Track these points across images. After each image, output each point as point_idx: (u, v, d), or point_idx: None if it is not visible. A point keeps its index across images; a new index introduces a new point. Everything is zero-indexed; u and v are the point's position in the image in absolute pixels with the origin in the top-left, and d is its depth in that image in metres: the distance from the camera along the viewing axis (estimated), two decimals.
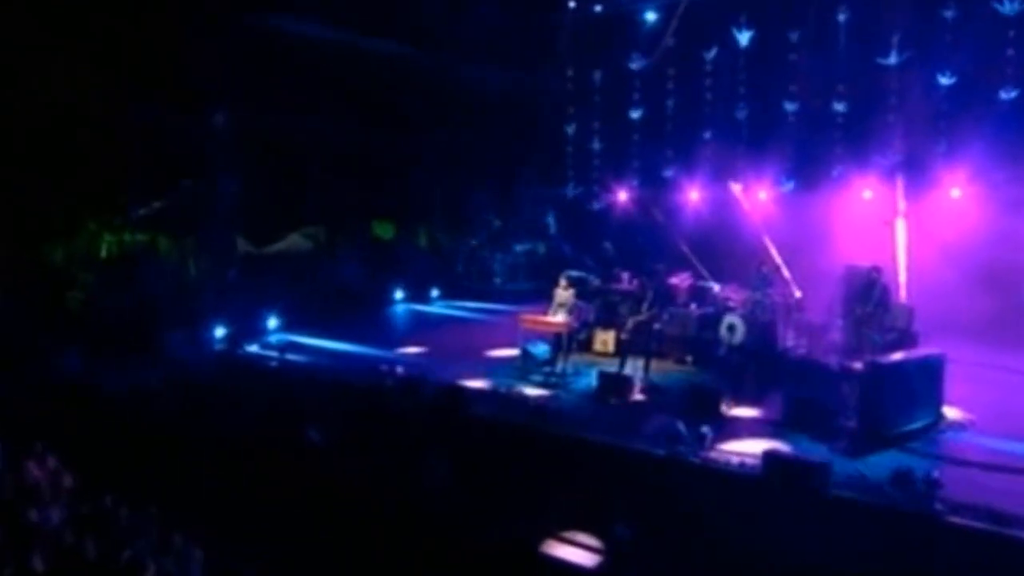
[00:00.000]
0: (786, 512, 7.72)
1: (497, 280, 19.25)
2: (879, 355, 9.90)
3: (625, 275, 13.76)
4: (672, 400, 10.37)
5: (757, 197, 14.48)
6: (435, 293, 18.48)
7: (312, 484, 9.25)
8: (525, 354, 11.77)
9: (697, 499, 8.20)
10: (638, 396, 10.69)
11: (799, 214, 14.03)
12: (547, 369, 11.57)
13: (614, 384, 10.75)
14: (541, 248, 19.64)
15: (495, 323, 14.89)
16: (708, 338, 12.39)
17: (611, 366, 11.43)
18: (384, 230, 18.75)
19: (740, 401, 10.29)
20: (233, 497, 8.83)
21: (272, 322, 14.53)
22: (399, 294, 17.94)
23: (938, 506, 7.22)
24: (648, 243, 15.13)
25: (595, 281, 13.76)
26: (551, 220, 20.00)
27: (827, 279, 12.58)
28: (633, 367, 10.89)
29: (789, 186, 14.44)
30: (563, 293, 12.00)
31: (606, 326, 12.93)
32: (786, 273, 12.53)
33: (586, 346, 12.76)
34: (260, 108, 14.22)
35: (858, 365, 9.54)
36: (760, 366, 11.43)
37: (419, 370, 11.29)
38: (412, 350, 13.24)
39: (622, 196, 16.38)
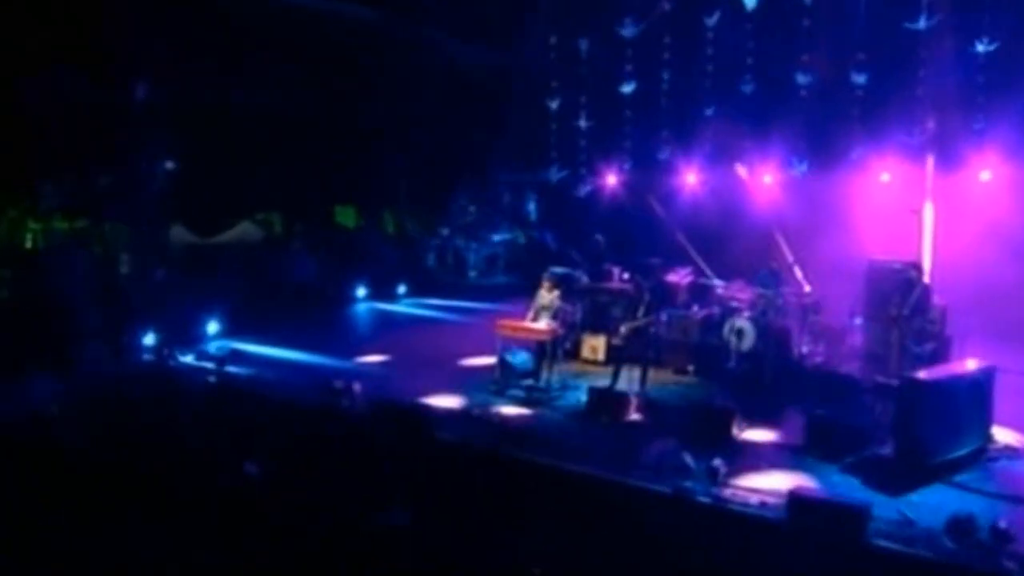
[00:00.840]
0: (817, 566, 6.93)
1: (472, 274, 18.80)
2: (917, 367, 9.26)
3: (616, 271, 13.19)
4: (674, 420, 9.66)
5: (764, 181, 13.78)
6: (402, 290, 17.83)
7: (252, 525, 8.27)
8: (503, 365, 11.05)
9: (708, 546, 7.41)
10: (634, 416, 9.97)
11: (812, 200, 13.40)
12: (528, 382, 10.91)
13: (606, 402, 10.07)
14: (521, 238, 19.19)
15: (470, 325, 14.22)
16: (713, 344, 11.80)
17: (601, 376, 10.90)
18: (346, 217, 18.36)
19: (753, 421, 9.57)
20: (159, 551, 7.71)
21: (212, 326, 13.55)
22: (362, 291, 17.21)
23: (1008, 564, 6.37)
24: (642, 234, 14.63)
25: (582, 279, 13.00)
26: (532, 207, 19.65)
27: (843, 275, 11.93)
28: (628, 378, 10.26)
29: (801, 168, 13.51)
30: (546, 295, 11.30)
31: (595, 330, 12.30)
32: (798, 271, 12.06)
33: (573, 353, 12.15)
34: (196, 78, 13.67)
35: (893, 381, 8.97)
36: (775, 378, 10.86)
37: (380, 385, 10.68)
38: (374, 359, 12.51)
39: (612, 180, 15.51)
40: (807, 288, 12.00)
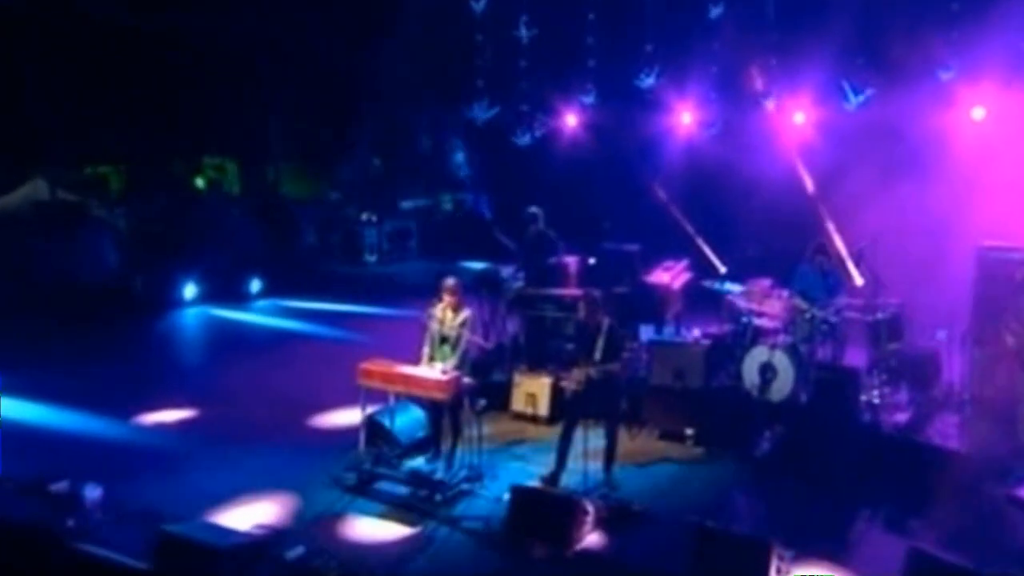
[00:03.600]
0: None
1: (371, 258, 18.03)
2: None
3: (573, 265, 11.88)
4: (665, 545, 7.90)
5: (796, 121, 13.44)
6: (256, 287, 16.55)
7: None
8: (375, 432, 9.38)
9: None
10: (590, 539, 8.04)
11: (876, 148, 12.90)
12: (416, 464, 9.25)
13: (543, 513, 8.10)
14: (447, 205, 18.98)
15: (352, 346, 12.70)
16: (725, 392, 10.52)
17: (543, 448, 9.54)
18: (192, 175, 18.58)
19: (804, 550, 7.62)
20: None
21: None
22: (191, 291, 15.95)
23: None
24: (613, 206, 14.39)
25: (514, 282, 11.58)
26: (461, 159, 19.56)
27: (924, 269, 11.42)
28: (583, 453, 8.76)
29: (856, 101, 13.04)
30: (448, 316, 9.28)
31: (535, 366, 10.88)
32: (853, 265, 10.98)
33: (499, 404, 10.69)
34: None
35: None
36: (831, 455, 9.20)
37: (149, 481, 8.95)
38: (168, 418, 10.78)
39: (570, 122, 15.07)
40: (865, 288, 10.95)
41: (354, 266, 17.96)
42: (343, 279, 17.23)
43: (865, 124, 13.11)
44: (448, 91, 16.85)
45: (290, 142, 18.81)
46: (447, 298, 9.19)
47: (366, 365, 9.13)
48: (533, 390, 10.60)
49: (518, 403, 10.66)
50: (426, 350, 9.20)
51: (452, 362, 8.95)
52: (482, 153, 18.22)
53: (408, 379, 8.94)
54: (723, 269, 12.40)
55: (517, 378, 10.70)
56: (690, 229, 13.41)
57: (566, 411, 9.17)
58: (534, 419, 10.49)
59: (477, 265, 12.28)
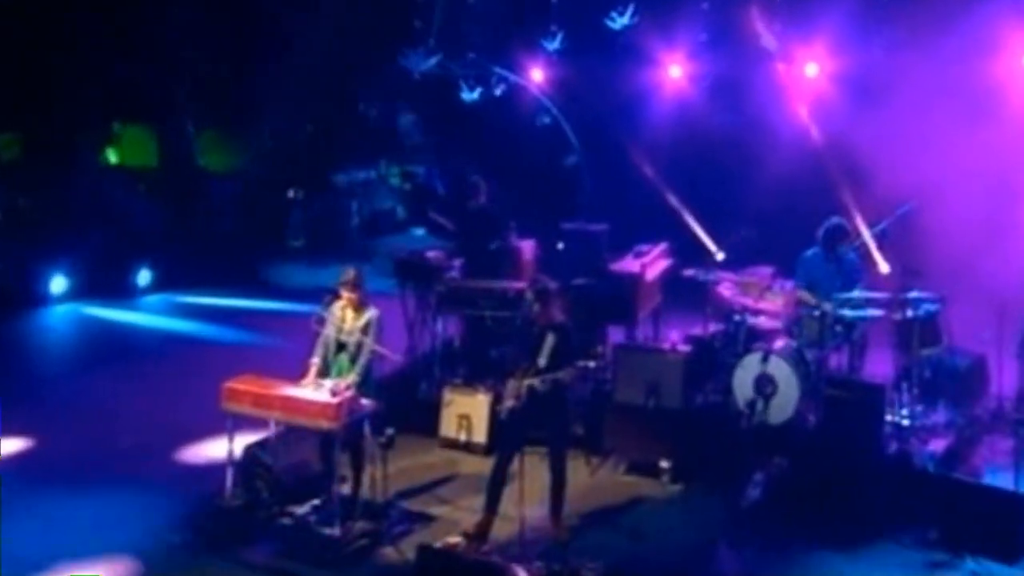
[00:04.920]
0: None
1: (296, 243, 17.76)
2: None
3: (527, 247, 11.46)
4: None
5: (808, 75, 13.28)
6: (146, 279, 16.15)
7: None
8: (251, 470, 8.73)
9: None
10: None
11: (906, 105, 12.51)
12: (304, 511, 8.55)
13: None
14: (394, 179, 18.59)
15: (258, 351, 12.62)
16: (711, 413, 10.14)
17: (479, 485, 8.84)
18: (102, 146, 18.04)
19: None
20: None
21: None
22: (60, 285, 15.45)
23: None
24: (584, 178, 14.81)
25: (449, 269, 11.02)
26: (409, 124, 19.18)
27: (976, 252, 11.48)
28: (529, 495, 8.24)
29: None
30: (348, 317, 8.67)
31: (472, 379, 10.42)
32: (874, 250, 10.86)
33: (424, 427, 10.29)
34: None
35: None
36: (853, 499, 8.69)
37: None
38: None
39: (536, 76, 14.74)
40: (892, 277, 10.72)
41: (275, 254, 17.43)
42: (259, 269, 16.80)
43: (892, 75, 12.84)
44: (386, 38, 16.43)
45: (204, 103, 18.12)
46: (345, 294, 8.54)
47: (233, 384, 8.50)
48: (467, 410, 10.00)
49: (448, 427, 10.11)
50: (315, 361, 8.49)
51: (351, 378, 8.22)
52: (429, 115, 18.00)
53: (287, 402, 8.25)
54: (720, 255, 11.89)
55: (448, 395, 10.13)
56: (677, 205, 13.28)
57: (500, 437, 8.62)
58: (468, 447, 9.94)
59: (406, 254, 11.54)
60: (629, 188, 14.01)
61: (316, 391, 8.16)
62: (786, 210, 12.34)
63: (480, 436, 9.86)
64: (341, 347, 8.46)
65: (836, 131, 13.04)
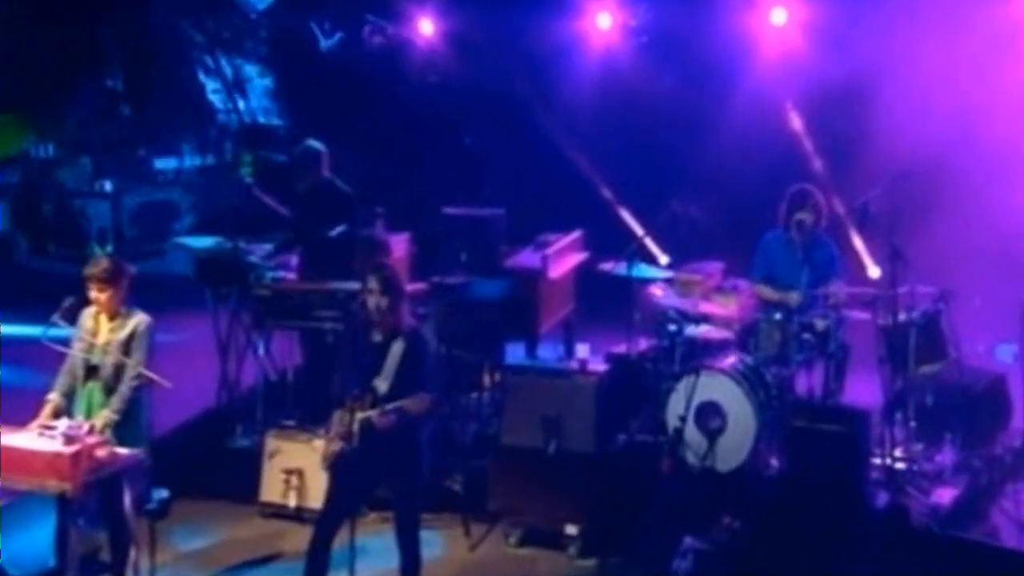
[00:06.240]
0: None
1: (102, 249, 16.31)
2: None
3: (400, 241, 10.73)
4: None
5: (774, 22, 12.78)
6: None
7: None
8: None
9: None
10: None
11: (898, 56, 12.09)
12: None
13: None
14: (246, 165, 17.51)
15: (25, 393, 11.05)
16: (632, 457, 9.19)
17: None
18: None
19: None
20: None
21: None
22: None
23: None
24: (487, 153, 14.92)
25: (272, 267, 9.89)
26: (263, 88, 18.65)
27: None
28: (352, 566, 7.43)
29: None
30: (102, 328, 7.54)
31: (309, 420, 9.35)
32: (854, 235, 11.14)
33: (242, 489, 9.30)
34: None
35: None
36: (817, 567, 8.04)
37: None
38: None
39: (426, 29, 14.41)
40: (874, 272, 11.21)
41: (73, 262, 15.77)
42: (46, 284, 14.94)
43: (880, 20, 12.09)
44: None
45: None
46: (96, 294, 7.02)
47: None
48: (299, 463, 8.78)
49: (272, 488, 8.84)
50: (51, 397, 7.08)
51: (104, 415, 6.85)
52: (280, 77, 17.17)
53: (4, 455, 6.80)
54: (664, 259, 11.19)
55: (272, 443, 8.87)
56: (601, 187, 12.82)
57: (326, 497, 7.42)
58: (299, 515, 8.63)
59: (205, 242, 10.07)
60: (539, 165, 13.62)
61: (42, 438, 6.66)
62: (746, 193, 11.62)
63: (316, 499, 8.38)
64: (92, 371, 7.05)
65: (809, 91, 12.34)
